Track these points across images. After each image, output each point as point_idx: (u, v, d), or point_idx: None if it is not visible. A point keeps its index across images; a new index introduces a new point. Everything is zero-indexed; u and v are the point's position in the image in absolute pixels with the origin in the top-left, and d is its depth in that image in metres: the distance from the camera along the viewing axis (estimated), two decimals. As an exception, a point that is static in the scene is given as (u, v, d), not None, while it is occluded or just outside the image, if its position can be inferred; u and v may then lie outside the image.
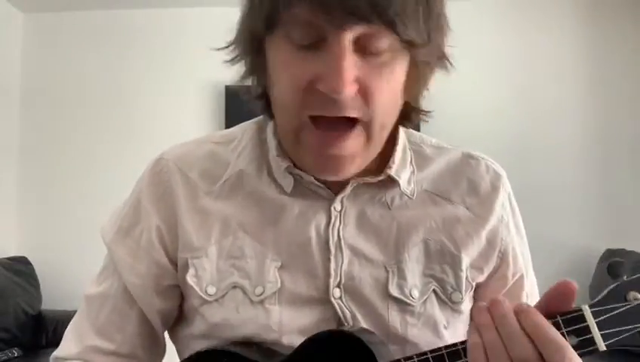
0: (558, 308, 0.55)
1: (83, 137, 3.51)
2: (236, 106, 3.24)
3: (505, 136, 3.24)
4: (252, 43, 0.62)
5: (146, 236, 0.71)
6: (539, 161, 3.27)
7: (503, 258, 0.72)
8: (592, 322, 0.54)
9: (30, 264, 3.26)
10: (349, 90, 0.55)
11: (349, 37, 0.54)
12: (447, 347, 0.58)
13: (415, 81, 0.63)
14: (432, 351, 0.59)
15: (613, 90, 3.35)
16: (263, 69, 0.63)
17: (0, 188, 3.40)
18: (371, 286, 0.67)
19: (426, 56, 0.60)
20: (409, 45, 0.57)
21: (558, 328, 0.53)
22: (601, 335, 0.53)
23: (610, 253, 3.03)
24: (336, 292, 0.67)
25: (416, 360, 0.59)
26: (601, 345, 0.53)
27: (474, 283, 0.71)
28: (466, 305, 0.70)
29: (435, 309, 0.68)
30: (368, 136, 0.61)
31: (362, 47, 0.56)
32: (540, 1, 3.41)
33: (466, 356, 0.56)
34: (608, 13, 3.37)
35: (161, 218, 0.71)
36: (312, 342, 0.62)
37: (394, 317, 0.66)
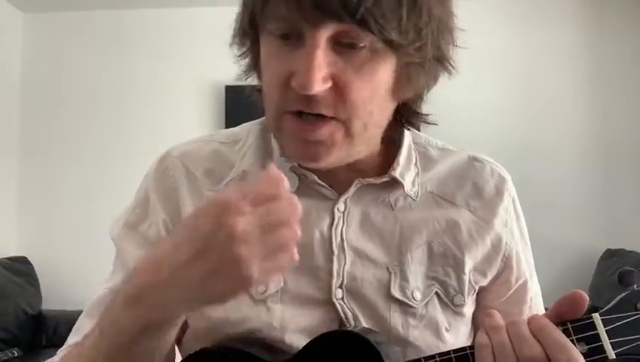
0: (568, 317, 0.55)
1: (83, 137, 3.51)
2: (236, 106, 3.24)
3: (505, 135, 3.25)
4: (247, 39, 0.64)
5: (154, 230, 0.71)
6: (539, 161, 3.28)
7: (506, 262, 0.72)
8: (602, 330, 0.54)
9: (30, 264, 3.27)
10: (319, 87, 0.55)
11: (323, 34, 0.54)
12: (455, 351, 0.59)
13: (406, 83, 0.61)
14: (440, 355, 0.59)
15: (614, 90, 3.36)
16: (258, 64, 0.65)
17: (0, 188, 3.39)
18: (373, 288, 0.67)
19: (415, 56, 0.58)
20: (390, 45, 0.56)
21: (568, 335, 0.54)
22: (611, 343, 0.54)
23: (610, 253, 3.04)
24: (339, 293, 0.66)
25: None
26: (611, 354, 0.54)
27: (477, 287, 0.71)
28: (468, 308, 0.70)
29: (437, 311, 0.68)
30: (347, 133, 0.60)
31: (340, 45, 0.56)
32: (541, 0, 3.41)
33: (474, 360, 0.56)
34: (609, 12, 3.38)
35: (167, 213, 0.71)
36: (318, 342, 0.62)
37: (396, 319, 0.66)
